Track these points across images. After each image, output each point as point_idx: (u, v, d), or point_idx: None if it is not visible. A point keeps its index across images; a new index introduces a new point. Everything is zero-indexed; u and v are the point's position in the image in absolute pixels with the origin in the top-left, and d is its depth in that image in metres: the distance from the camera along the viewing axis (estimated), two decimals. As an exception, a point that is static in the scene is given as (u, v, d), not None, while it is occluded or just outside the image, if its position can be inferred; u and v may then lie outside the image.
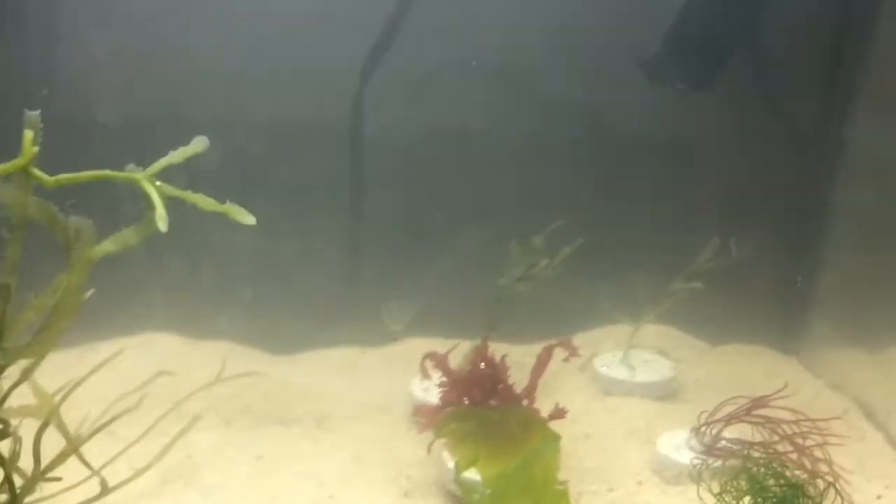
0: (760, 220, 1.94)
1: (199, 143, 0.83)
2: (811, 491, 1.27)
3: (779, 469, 1.26)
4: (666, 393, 1.77)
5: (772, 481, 1.22)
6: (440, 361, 1.50)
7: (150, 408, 1.55)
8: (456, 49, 1.88)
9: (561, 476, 1.53)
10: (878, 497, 1.48)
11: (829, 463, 1.43)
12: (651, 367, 1.81)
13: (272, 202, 1.91)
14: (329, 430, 1.63)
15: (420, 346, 1.87)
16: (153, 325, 1.85)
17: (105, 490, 1.23)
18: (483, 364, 1.47)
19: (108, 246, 0.95)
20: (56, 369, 1.46)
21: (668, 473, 1.49)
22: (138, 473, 1.33)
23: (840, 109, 1.85)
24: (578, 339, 2.00)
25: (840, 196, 1.87)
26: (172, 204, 0.87)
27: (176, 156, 0.82)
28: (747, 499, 1.24)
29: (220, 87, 1.84)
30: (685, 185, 1.93)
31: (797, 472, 1.41)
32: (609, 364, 1.83)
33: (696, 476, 1.35)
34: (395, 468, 1.49)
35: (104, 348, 1.77)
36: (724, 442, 1.49)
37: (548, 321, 1.93)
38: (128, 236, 0.95)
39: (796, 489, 1.22)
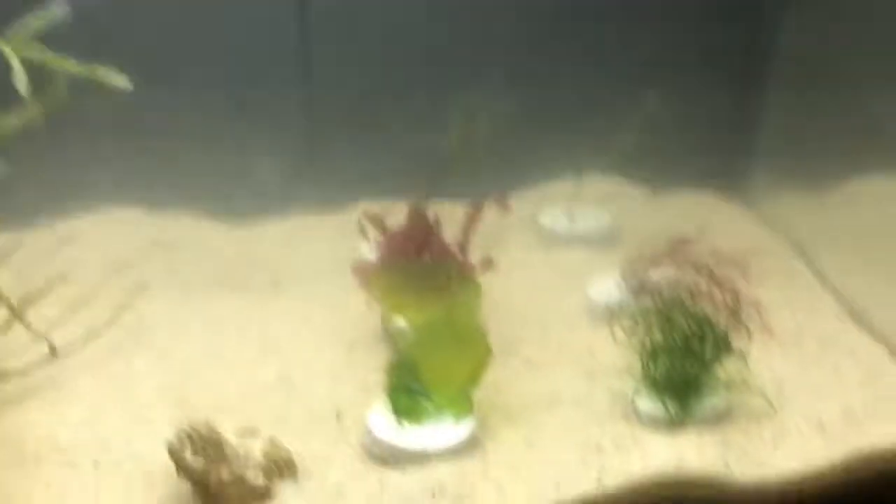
0: (702, 65, 1.94)
1: (56, 9, 0.85)
2: (721, 324, 1.35)
3: (688, 305, 1.33)
4: (606, 242, 1.84)
5: (680, 317, 1.30)
6: (376, 220, 1.56)
7: (110, 279, 1.65)
8: None
9: (497, 324, 1.64)
10: (800, 327, 1.57)
11: (746, 298, 1.51)
12: (592, 218, 1.87)
13: (223, 71, 1.92)
14: (283, 294, 1.72)
15: (370, 208, 1.91)
16: (112, 199, 1.91)
17: (53, 352, 1.32)
18: (417, 222, 1.53)
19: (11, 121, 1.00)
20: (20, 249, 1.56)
21: (598, 315, 1.57)
22: (89, 338, 1.43)
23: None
24: (525, 195, 2.07)
25: (782, 36, 1.87)
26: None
27: (35, 21, 0.85)
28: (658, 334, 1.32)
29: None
30: (627, 34, 1.92)
31: (719, 309, 1.49)
32: (552, 217, 1.89)
33: (609, 316, 1.43)
34: (342, 325, 1.58)
35: (62, 226, 1.84)
36: (649, 283, 1.57)
37: (495, 179, 1.97)
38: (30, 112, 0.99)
39: (703, 323, 1.30)
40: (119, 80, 0.91)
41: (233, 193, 1.92)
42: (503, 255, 1.83)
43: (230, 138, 1.92)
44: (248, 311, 1.63)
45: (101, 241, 1.76)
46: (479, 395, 1.39)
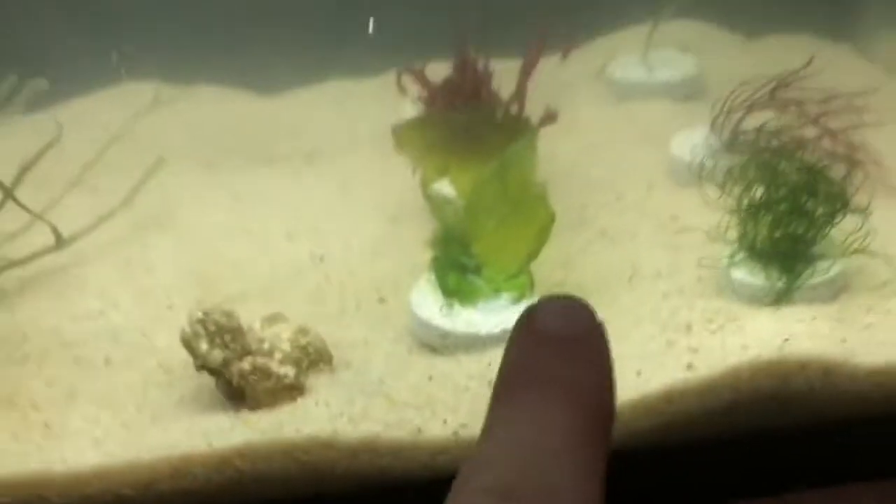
0: None
1: None
2: (834, 175, 1.11)
3: (796, 153, 1.09)
4: (691, 92, 1.57)
5: (785, 167, 1.06)
6: (418, 75, 1.34)
7: (124, 155, 1.48)
8: None
9: (566, 189, 1.43)
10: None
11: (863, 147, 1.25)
12: (673, 66, 1.60)
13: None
14: (318, 165, 1.53)
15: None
16: (132, 74, 1.72)
17: (59, 237, 1.17)
18: (464, 72, 1.31)
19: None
20: (28, 131, 1.40)
21: (682, 175, 1.34)
22: (102, 219, 1.27)
23: None
24: (596, 44, 1.80)
25: None
26: None
27: None
28: (759, 190, 1.09)
29: None
30: None
31: (831, 159, 1.24)
32: (625, 66, 1.63)
33: (699, 173, 1.19)
34: (383, 195, 1.39)
35: (75, 105, 1.67)
36: (745, 135, 1.32)
37: (559, 27, 1.72)
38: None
39: (815, 174, 1.06)
40: None
41: (261, 63, 1.71)
42: (570, 112, 1.60)
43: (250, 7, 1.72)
44: (279, 184, 1.45)
45: (114, 116, 1.58)
46: (546, 270, 1.20)
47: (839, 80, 1.59)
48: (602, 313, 1.11)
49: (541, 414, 0.34)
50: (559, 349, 0.35)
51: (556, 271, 1.23)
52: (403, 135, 1.13)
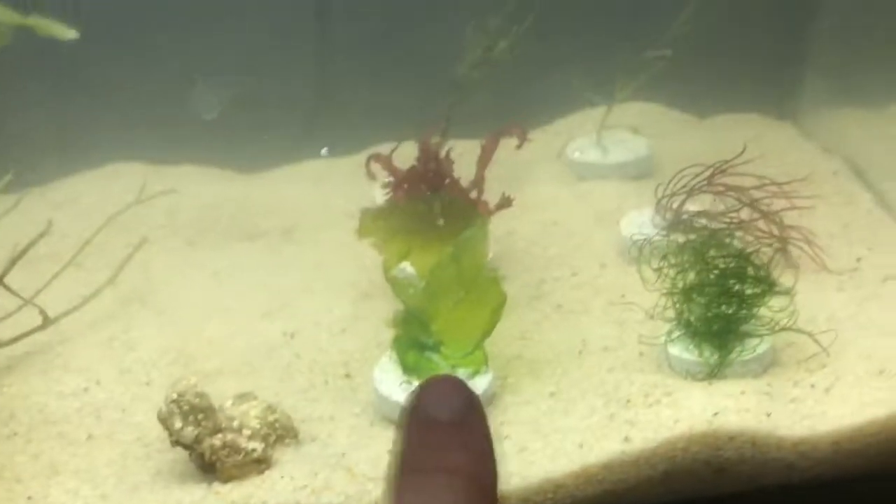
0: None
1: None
2: (765, 258, 1.21)
3: (725, 238, 1.19)
4: (642, 172, 1.68)
5: (715, 252, 1.16)
6: (385, 161, 1.44)
7: (109, 236, 1.57)
8: None
9: (525, 266, 1.52)
10: (859, 259, 1.41)
11: (791, 228, 1.36)
12: (626, 147, 1.71)
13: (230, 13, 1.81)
14: (294, 241, 1.62)
15: (386, 150, 1.79)
16: (116, 155, 1.82)
17: (45, 318, 1.26)
18: (427, 160, 1.41)
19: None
20: (16, 212, 1.48)
21: (631, 254, 1.43)
22: (87, 299, 1.36)
23: None
24: (557, 126, 1.92)
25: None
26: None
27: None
28: (692, 273, 1.19)
29: None
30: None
31: (764, 241, 1.34)
32: (582, 148, 1.74)
33: (637, 254, 1.29)
34: (357, 272, 1.48)
35: (66, 185, 1.77)
36: (686, 216, 1.42)
37: (521, 110, 1.83)
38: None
39: (742, 258, 1.16)
40: (66, 33, 0.81)
41: (242, 144, 1.82)
42: (531, 191, 1.71)
43: (238, 88, 1.82)
44: (256, 261, 1.54)
45: (100, 198, 1.67)
46: (504, 343, 1.29)
47: (780, 158, 1.71)
48: (553, 386, 1.20)
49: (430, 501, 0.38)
50: (441, 437, 0.39)
51: (513, 344, 1.31)
52: (364, 223, 1.22)
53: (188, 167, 1.84)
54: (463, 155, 1.51)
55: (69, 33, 0.84)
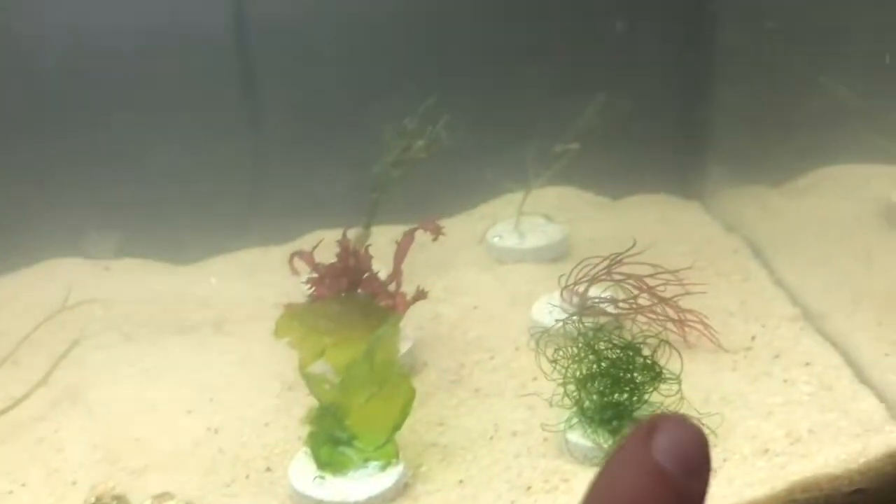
0: (649, 68, 1.88)
1: None
2: (657, 343, 1.29)
3: (615, 328, 1.27)
4: (558, 255, 1.78)
5: (603, 345, 1.25)
6: (307, 258, 1.51)
7: (56, 334, 1.62)
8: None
9: (447, 352, 1.59)
10: (753, 338, 1.50)
11: (688, 311, 1.45)
12: (542, 232, 1.81)
13: (161, 105, 1.89)
14: (225, 333, 1.68)
15: (319, 238, 1.87)
16: (55, 251, 1.88)
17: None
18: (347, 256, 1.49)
19: None
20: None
21: (530, 345, 1.51)
22: (18, 401, 1.41)
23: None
24: (481, 210, 2.02)
25: (723, 35, 1.80)
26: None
27: None
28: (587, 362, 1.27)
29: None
30: (565, 41, 1.86)
31: (660, 324, 1.44)
32: (501, 233, 1.83)
33: (536, 344, 1.37)
34: (282, 364, 1.54)
35: (4, 283, 1.82)
36: (589, 302, 1.51)
37: (446, 198, 1.93)
38: None
39: (630, 348, 1.25)
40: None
41: (177, 236, 1.89)
42: (455, 276, 1.80)
43: (173, 181, 1.90)
44: (187, 355, 1.60)
45: (39, 295, 1.72)
46: (423, 430, 1.36)
47: (687, 237, 1.82)
48: (463, 473, 1.27)
49: None
50: (668, 486, 0.35)
51: (431, 431, 1.38)
52: (280, 324, 1.29)
53: (126, 260, 1.90)
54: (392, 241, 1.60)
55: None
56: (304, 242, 1.95)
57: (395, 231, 1.67)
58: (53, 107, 1.85)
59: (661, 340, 1.26)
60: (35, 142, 1.86)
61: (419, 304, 1.46)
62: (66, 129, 1.86)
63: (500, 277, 1.75)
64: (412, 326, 1.57)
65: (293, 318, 1.29)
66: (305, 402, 1.42)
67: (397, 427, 1.24)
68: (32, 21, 1.79)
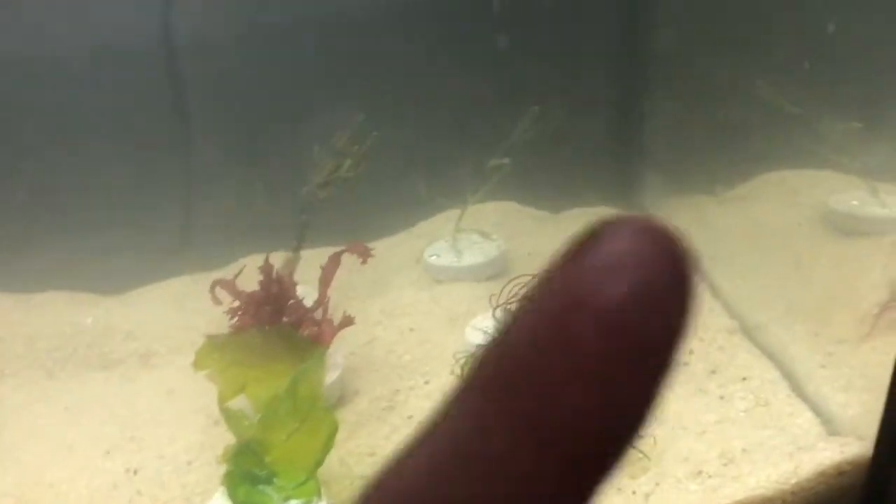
0: (583, 79, 1.85)
1: None
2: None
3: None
4: (496, 272, 1.75)
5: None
6: (228, 285, 1.46)
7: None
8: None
9: (379, 377, 1.55)
10: (690, 352, 1.47)
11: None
12: (479, 249, 1.78)
13: (89, 128, 1.84)
14: (151, 366, 1.62)
15: (253, 261, 1.82)
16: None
17: None
18: (270, 284, 1.44)
19: None
20: None
21: (454, 370, 1.48)
22: (-74, 448, 1.34)
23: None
24: (420, 229, 1.98)
25: (656, 43, 1.78)
26: None
27: None
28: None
29: None
30: (497, 54, 1.83)
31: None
32: (438, 251, 1.79)
33: (461, 368, 1.33)
34: (209, 397, 1.47)
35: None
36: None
37: (385, 217, 1.89)
38: None
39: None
40: None
41: (104, 266, 1.83)
42: (392, 296, 1.76)
43: (100, 208, 1.84)
44: (110, 391, 1.54)
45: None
46: (353, 462, 1.31)
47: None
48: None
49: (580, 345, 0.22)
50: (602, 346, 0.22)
51: (362, 462, 1.33)
52: (200, 356, 1.24)
53: (51, 293, 1.83)
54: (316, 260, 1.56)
55: None
56: (236, 268, 1.91)
57: (324, 253, 1.64)
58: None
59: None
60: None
61: (354, 328, 1.42)
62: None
63: (437, 297, 1.71)
64: (343, 352, 1.53)
65: (213, 350, 1.24)
66: (230, 438, 1.37)
67: (319, 463, 1.19)
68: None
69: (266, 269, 1.43)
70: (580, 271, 0.23)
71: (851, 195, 1.67)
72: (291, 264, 1.61)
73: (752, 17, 1.52)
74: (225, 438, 1.37)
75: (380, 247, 1.70)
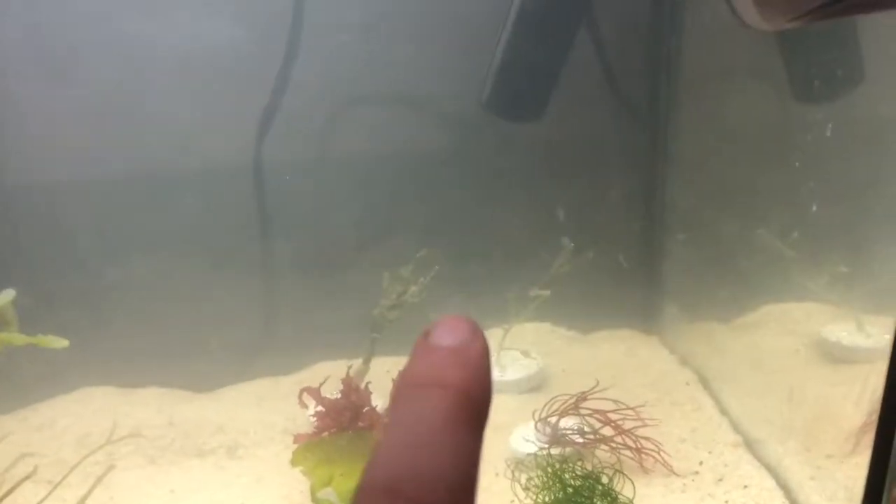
0: (609, 224, 2.18)
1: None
2: (613, 472, 1.53)
3: (576, 459, 1.51)
4: (534, 386, 2.03)
5: (567, 475, 1.48)
6: (314, 393, 1.75)
7: (78, 460, 1.83)
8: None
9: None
10: (701, 463, 1.73)
11: (646, 438, 1.69)
12: (520, 365, 2.06)
13: (178, 240, 2.14)
14: (238, 457, 1.90)
15: (327, 369, 2.11)
16: (89, 380, 2.12)
17: (29, 543, 1.50)
18: (350, 392, 1.73)
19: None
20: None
21: (522, 466, 1.74)
22: (62, 523, 1.62)
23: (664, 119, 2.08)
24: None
25: (670, 197, 2.11)
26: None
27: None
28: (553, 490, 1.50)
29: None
30: (536, 196, 2.16)
31: (619, 453, 1.67)
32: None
33: (511, 473, 1.60)
34: (293, 486, 1.76)
35: (44, 409, 2.04)
36: (562, 431, 1.75)
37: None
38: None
39: (588, 477, 1.48)
40: (59, 343, 1.13)
41: (197, 366, 2.13)
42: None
43: (193, 317, 2.15)
44: (208, 477, 1.82)
45: (74, 420, 1.95)
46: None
47: (646, 369, 2.07)
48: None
49: (427, 411, 0.39)
50: (442, 358, 0.40)
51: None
52: (296, 455, 1.52)
53: (153, 389, 2.13)
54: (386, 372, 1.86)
55: (62, 344, 1.14)
56: (310, 373, 2.21)
57: (389, 362, 1.95)
58: (82, 238, 2.11)
59: (616, 470, 1.50)
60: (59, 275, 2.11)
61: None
62: (88, 260, 2.11)
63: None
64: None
65: (307, 450, 1.52)
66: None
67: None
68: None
69: (347, 380, 1.73)
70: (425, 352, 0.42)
71: (841, 326, 1.94)
72: (361, 374, 1.90)
73: (752, 184, 1.84)
74: (308, 524, 1.64)
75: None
